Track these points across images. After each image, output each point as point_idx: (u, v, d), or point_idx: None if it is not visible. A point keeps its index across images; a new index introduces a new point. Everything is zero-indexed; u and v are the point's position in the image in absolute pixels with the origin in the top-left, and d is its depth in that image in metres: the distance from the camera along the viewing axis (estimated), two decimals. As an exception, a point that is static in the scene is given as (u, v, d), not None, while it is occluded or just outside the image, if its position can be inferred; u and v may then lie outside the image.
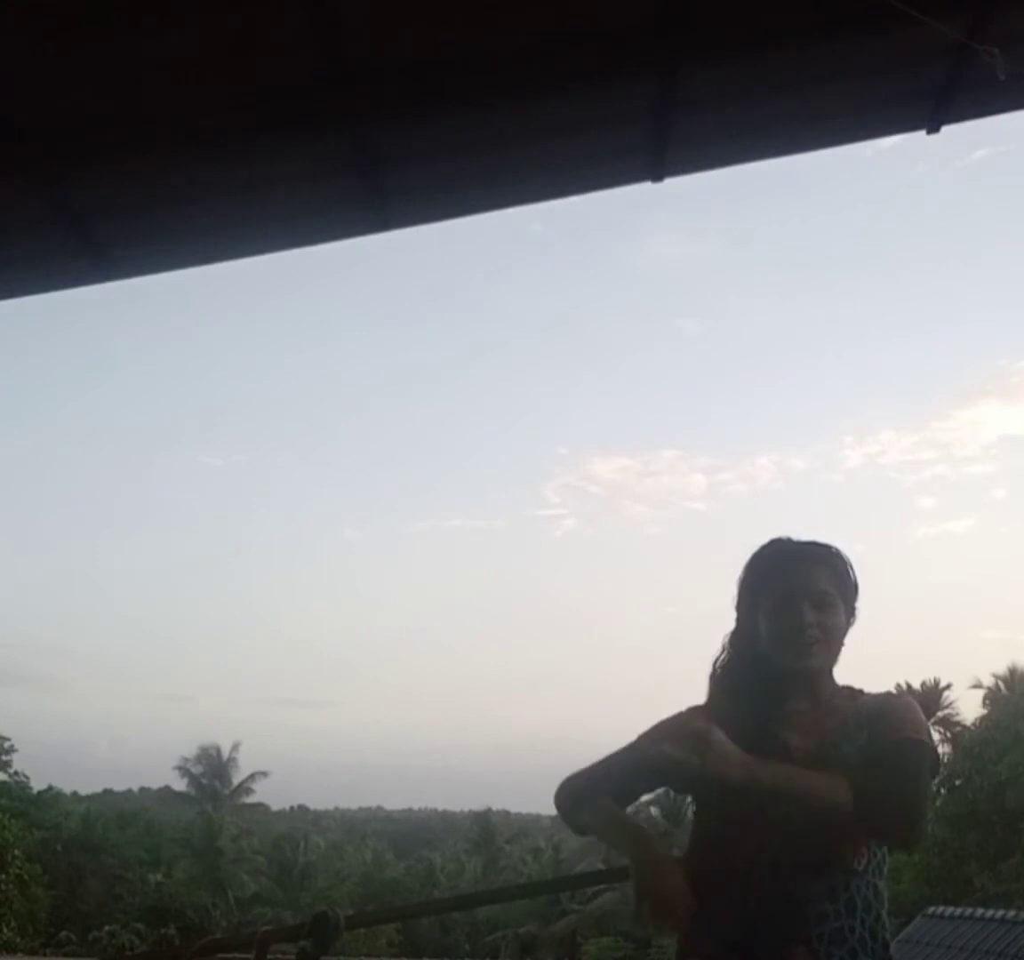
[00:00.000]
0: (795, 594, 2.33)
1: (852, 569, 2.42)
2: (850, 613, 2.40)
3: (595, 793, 2.43)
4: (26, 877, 32.04)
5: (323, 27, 2.67)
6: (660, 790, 2.47)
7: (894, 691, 2.46)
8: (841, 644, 2.39)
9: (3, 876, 30.76)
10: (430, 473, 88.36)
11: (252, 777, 45.58)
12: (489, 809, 50.58)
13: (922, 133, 3.69)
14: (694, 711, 2.42)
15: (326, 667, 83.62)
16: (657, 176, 3.59)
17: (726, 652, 2.44)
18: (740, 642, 2.42)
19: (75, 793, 52.98)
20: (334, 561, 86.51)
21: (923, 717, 2.40)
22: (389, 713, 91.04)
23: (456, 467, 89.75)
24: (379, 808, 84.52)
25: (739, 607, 2.43)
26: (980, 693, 37.93)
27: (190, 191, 3.26)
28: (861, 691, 2.41)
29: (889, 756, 2.23)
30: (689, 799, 2.48)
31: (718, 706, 2.40)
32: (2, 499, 79.51)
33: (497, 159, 3.50)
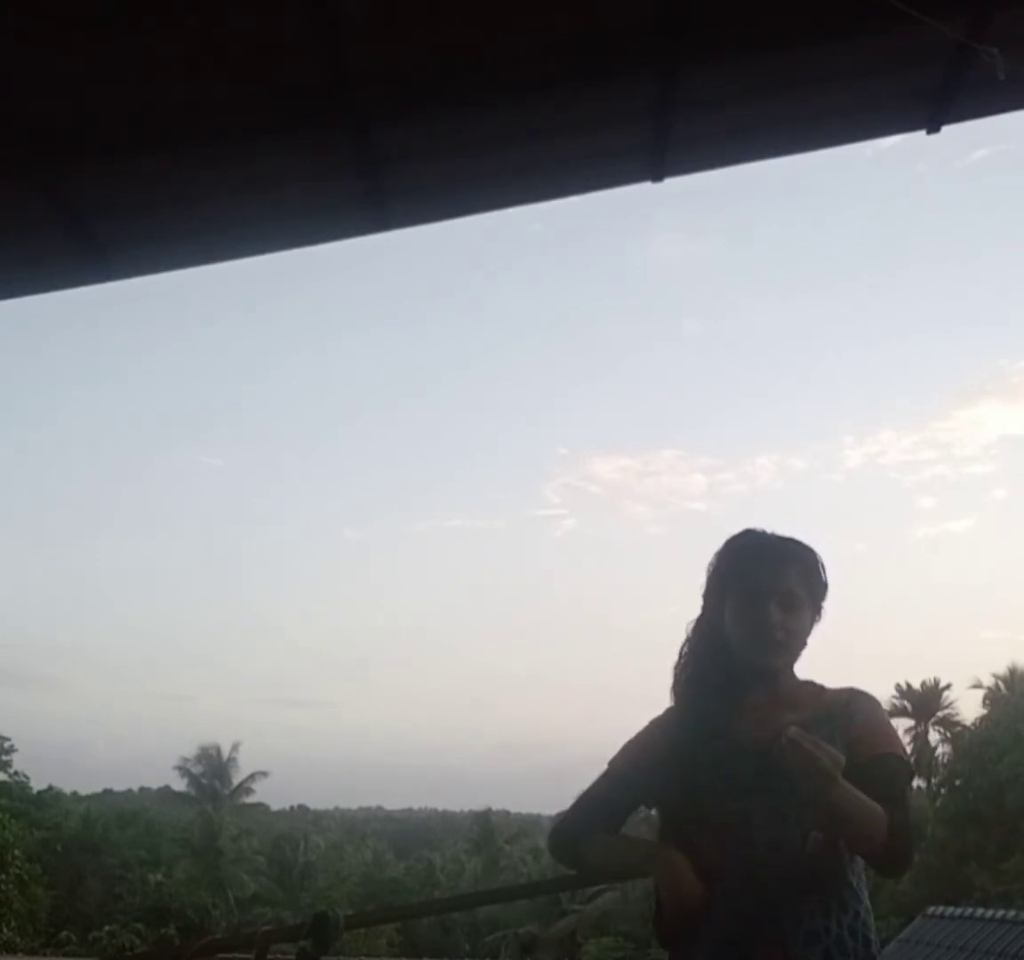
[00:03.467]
0: (764, 593, 2.33)
1: (823, 568, 2.42)
2: (816, 611, 2.40)
3: (590, 830, 2.45)
4: (26, 877, 32.03)
5: (323, 27, 2.67)
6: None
7: (856, 687, 2.45)
8: (804, 643, 2.39)
9: (3, 876, 30.76)
10: (430, 473, 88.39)
11: (252, 777, 45.64)
12: (489, 809, 50.58)
13: (922, 133, 3.69)
14: (660, 715, 2.45)
15: (326, 667, 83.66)
16: (657, 176, 3.58)
17: (689, 641, 2.44)
18: (704, 631, 2.42)
19: (75, 793, 53.01)
20: (334, 561, 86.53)
21: (888, 719, 2.44)
22: (389, 713, 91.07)
23: (456, 467, 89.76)
24: (379, 808, 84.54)
25: (706, 596, 2.43)
26: (980, 693, 38.01)
27: (190, 191, 3.26)
28: (823, 686, 2.42)
29: (875, 778, 2.25)
30: (653, 812, 2.51)
31: (680, 699, 2.42)
32: (2, 499, 79.54)
33: (497, 159, 3.50)
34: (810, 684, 2.42)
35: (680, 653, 2.45)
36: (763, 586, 2.34)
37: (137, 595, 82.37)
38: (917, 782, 38.95)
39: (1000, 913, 15.53)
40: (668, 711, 2.44)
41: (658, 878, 2.29)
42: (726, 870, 2.24)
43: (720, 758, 2.29)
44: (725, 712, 2.33)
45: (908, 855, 2.27)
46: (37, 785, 41.71)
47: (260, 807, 50.69)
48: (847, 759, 2.26)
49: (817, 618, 2.40)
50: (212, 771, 45.13)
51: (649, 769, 2.39)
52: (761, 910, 2.20)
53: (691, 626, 2.45)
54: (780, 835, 2.23)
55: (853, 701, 2.39)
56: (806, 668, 2.44)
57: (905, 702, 42.58)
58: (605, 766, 2.48)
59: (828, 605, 2.43)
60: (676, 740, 2.35)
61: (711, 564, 2.44)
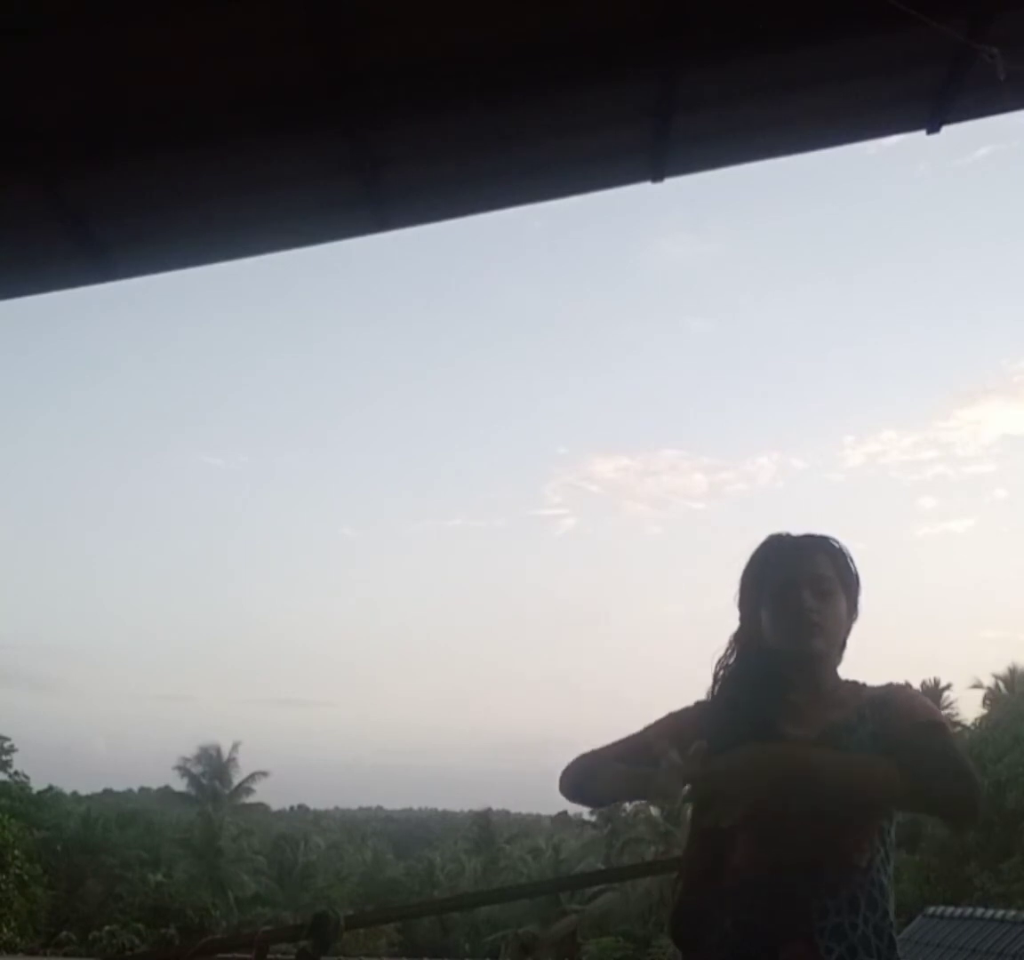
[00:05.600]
0: (795, 580, 2.35)
1: (853, 561, 2.42)
2: (852, 606, 2.40)
3: (607, 764, 2.44)
4: (26, 877, 32.03)
5: (323, 27, 2.67)
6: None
7: (895, 682, 2.43)
8: (843, 635, 2.39)
9: (3, 876, 30.76)
10: (430, 473, 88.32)
11: (252, 777, 45.62)
12: (489, 809, 50.70)
13: (922, 133, 3.69)
14: (698, 705, 2.44)
15: (325, 667, 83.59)
16: (657, 176, 3.59)
17: (730, 649, 2.45)
18: (744, 638, 2.43)
19: (75, 793, 53.00)
20: (334, 561, 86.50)
21: (929, 702, 2.40)
22: (389, 713, 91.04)
23: (456, 467, 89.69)
24: (379, 808, 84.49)
25: (742, 604, 2.44)
26: (980, 693, 38.00)
27: (190, 191, 3.26)
28: (864, 685, 2.40)
29: (919, 738, 2.20)
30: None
31: (719, 701, 2.41)
32: (2, 499, 79.57)
33: (497, 159, 3.50)
34: (853, 683, 2.41)
35: (718, 662, 2.45)
36: (794, 573, 2.36)
37: (136, 595, 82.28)
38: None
39: (1000, 913, 15.53)
40: (713, 699, 2.44)
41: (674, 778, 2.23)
42: (755, 860, 2.23)
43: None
44: (770, 708, 2.33)
45: (965, 798, 2.14)
46: (37, 785, 41.70)
47: (260, 807, 50.62)
48: (890, 741, 2.23)
49: (854, 614, 2.41)
50: (212, 771, 45.14)
51: (687, 744, 2.32)
52: (788, 903, 2.19)
53: (731, 638, 2.46)
54: (814, 831, 2.21)
55: (889, 692, 2.38)
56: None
57: (905, 702, 42.41)
58: (639, 729, 2.47)
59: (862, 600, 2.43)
60: (721, 727, 2.32)
61: (742, 572, 2.45)
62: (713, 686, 2.45)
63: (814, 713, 2.33)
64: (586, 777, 2.48)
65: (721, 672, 2.45)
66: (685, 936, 2.35)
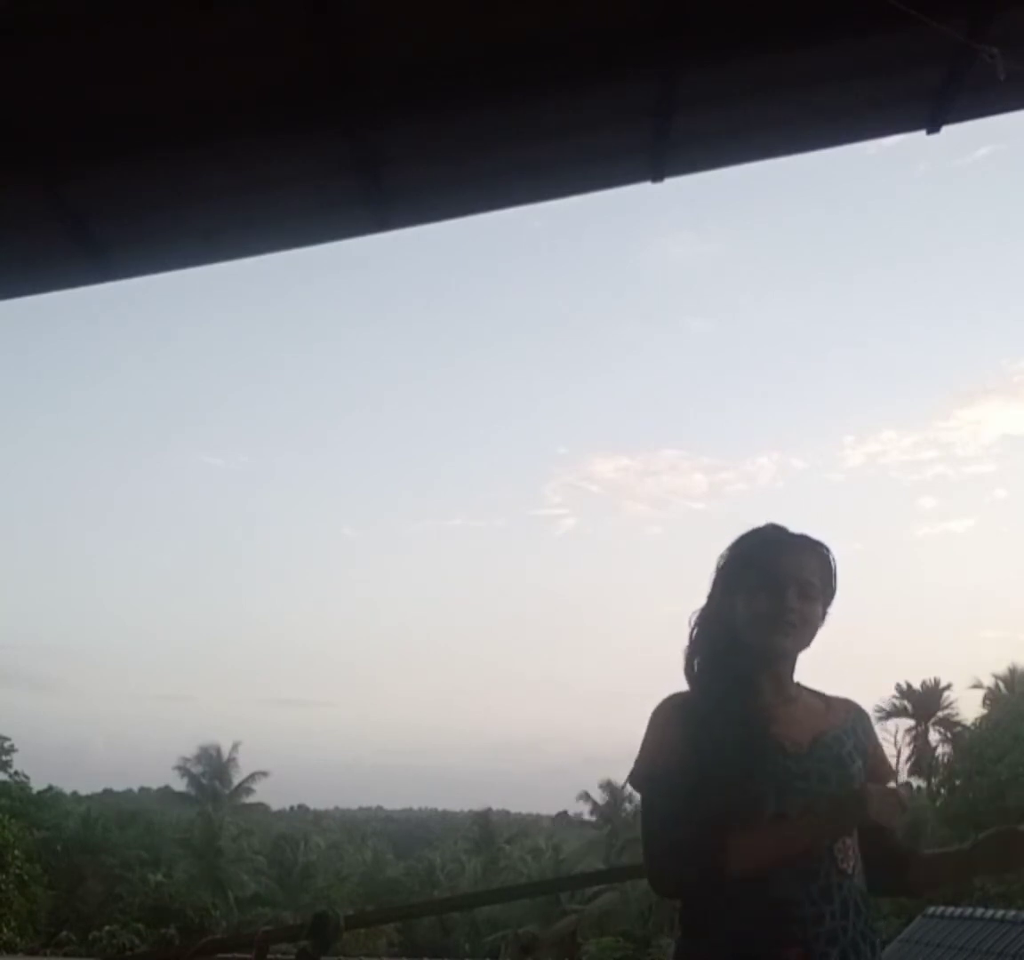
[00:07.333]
0: (782, 578, 2.32)
1: (836, 571, 2.42)
2: (824, 613, 2.39)
3: (717, 835, 2.21)
4: (26, 877, 32.04)
5: (323, 27, 2.67)
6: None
7: (851, 699, 2.47)
8: (810, 640, 2.38)
9: (3, 876, 30.77)
10: (430, 473, 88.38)
11: (252, 777, 45.70)
12: (489, 809, 50.74)
13: (922, 133, 3.69)
14: (675, 706, 2.35)
15: (325, 667, 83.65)
16: (657, 176, 3.59)
17: (696, 634, 2.41)
18: (711, 624, 2.39)
19: (75, 793, 53.04)
20: (334, 561, 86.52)
21: None
22: (389, 713, 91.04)
23: (456, 466, 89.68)
24: (379, 808, 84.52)
25: (716, 585, 2.40)
26: (980, 693, 38.05)
27: (190, 191, 3.26)
28: (821, 693, 2.42)
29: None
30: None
31: (695, 695, 2.36)
32: (2, 499, 79.57)
33: (497, 159, 3.50)
34: (802, 686, 2.41)
35: (690, 639, 2.41)
36: (782, 571, 2.34)
37: (137, 595, 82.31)
38: (917, 782, 39.00)
39: (1000, 913, 15.53)
40: (688, 701, 2.35)
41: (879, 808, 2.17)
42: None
43: (765, 757, 2.26)
44: (752, 714, 2.30)
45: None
46: (37, 785, 41.72)
47: (260, 807, 50.68)
48: (875, 774, 2.36)
49: (822, 621, 2.40)
50: (212, 771, 45.19)
51: (696, 763, 2.25)
52: (783, 908, 2.19)
53: (696, 616, 2.41)
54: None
55: (863, 715, 2.45)
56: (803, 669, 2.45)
57: (905, 702, 42.61)
58: (648, 781, 2.30)
59: (832, 610, 2.43)
60: (715, 734, 2.27)
61: (724, 555, 2.42)
62: (685, 674, 2.40)
63: (797, 717, 2.33)
64: (703, 870, 2.20)
65: (692, 650, 2.39)
66: (689, 942, 2.29)
